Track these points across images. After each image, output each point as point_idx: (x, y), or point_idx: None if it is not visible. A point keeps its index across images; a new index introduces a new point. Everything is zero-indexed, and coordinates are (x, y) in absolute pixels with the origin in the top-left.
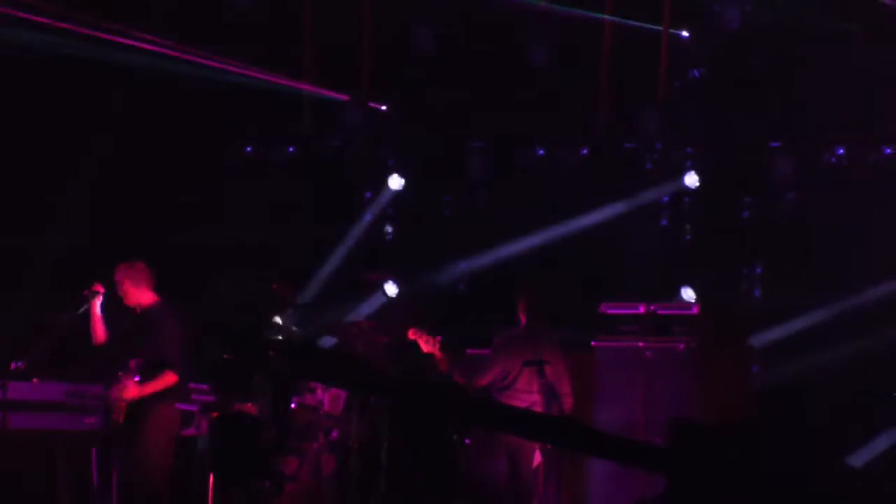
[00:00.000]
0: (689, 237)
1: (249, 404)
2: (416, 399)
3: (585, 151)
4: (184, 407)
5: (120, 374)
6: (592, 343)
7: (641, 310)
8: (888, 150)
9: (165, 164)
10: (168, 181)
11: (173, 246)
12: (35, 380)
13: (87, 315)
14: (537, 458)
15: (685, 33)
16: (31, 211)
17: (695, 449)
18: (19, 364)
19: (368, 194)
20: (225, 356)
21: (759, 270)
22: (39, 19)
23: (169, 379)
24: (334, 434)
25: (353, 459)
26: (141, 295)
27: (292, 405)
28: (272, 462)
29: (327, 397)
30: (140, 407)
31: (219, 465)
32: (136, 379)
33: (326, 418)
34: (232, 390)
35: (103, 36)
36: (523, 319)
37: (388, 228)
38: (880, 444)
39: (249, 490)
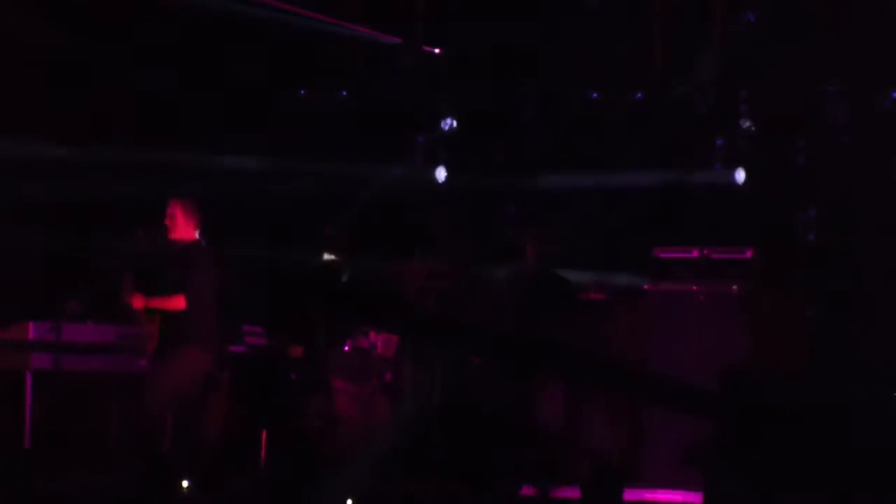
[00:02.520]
0: (742, 180)
1: (301, 347)
2: (463, 343)
3: (640, 95)
4: (236, 349)
5: (124, 287)
6: (646, 287)
7: (695, 254)
8: None
9: (218, 106)
10: (220, 123)
11: (225, 188)
12: (89, 322)
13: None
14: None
15: None
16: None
17: (747, 395)
18: (73, 306)
19: (420, 139)
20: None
21: (812, 214)
22: None
23: (176, 302)
24: (388, 376)
25: (407, 402)
26: (187, 230)
27: (345, 347)
28: (296, 401)
29: (380, 340)
30: (170, 343)
31: (243, 403)
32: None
33: (379, 360)
34: (285, 332)
35: None
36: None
37: (441, 172)
38: None
39: (299, 430)
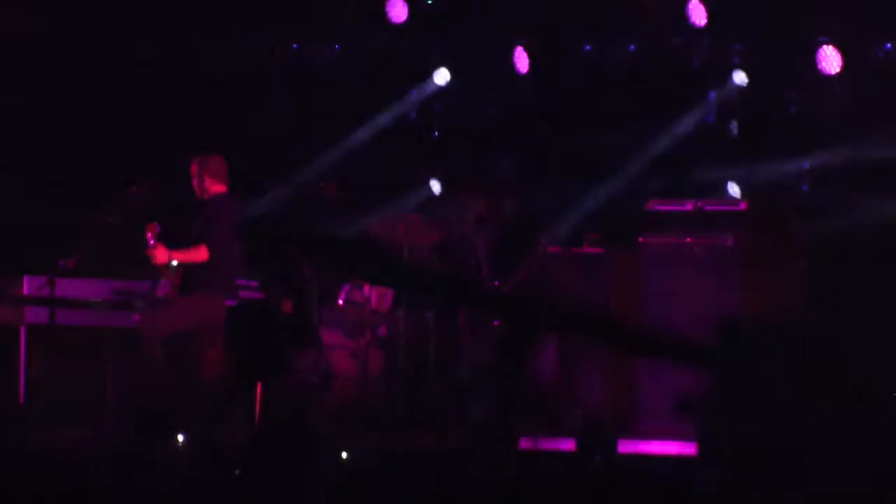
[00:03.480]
0: (735, 133)
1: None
2: (457, 298)
3: (633, 48)
4: (230, 303)
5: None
6: (639, 240)
7: (689, 206)
8: None
9: (208, 63)
10: (211, 79)
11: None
12: (83, 277)
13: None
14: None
15: None
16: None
17: (741, 347)
18: (67, 261)
19: (414, 92)
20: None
21: (805, 166)
22: None
23: (199, 254)
24: (382, 331)
25: (401, 356)
26: (213, 186)
27: (339, 301)
28: (287, 355)
29: (374, 294)
30: (187, 286)
31: (237, 357)
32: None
33: (374, 315)
34: (279, 286)
35: None
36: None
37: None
38: None
39: (293, 385)
